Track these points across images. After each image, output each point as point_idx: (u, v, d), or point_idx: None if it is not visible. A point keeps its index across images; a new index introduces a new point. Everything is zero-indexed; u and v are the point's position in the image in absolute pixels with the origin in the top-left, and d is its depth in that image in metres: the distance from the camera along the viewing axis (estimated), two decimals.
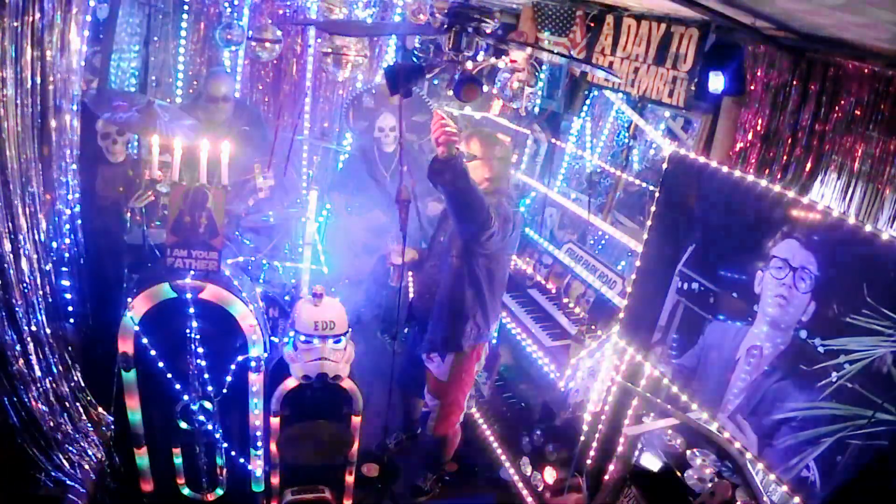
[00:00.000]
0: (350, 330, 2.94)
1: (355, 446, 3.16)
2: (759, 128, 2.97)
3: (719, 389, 2.59)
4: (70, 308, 2.95)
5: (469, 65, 2.55)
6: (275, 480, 3.18)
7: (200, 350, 2.80)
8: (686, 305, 2.77)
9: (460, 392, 3.38)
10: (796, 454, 2.26)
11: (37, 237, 2.54)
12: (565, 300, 3.95)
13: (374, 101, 5.27)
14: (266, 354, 2.88)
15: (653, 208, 2.98)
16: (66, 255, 2.86)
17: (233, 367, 2.87)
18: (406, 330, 3.75)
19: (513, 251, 3.37)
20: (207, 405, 2.91)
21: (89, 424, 2.81)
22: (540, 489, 3.60)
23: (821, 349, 2.20)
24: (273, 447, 3.04)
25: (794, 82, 2.81)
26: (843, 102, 2.64)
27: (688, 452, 2.74)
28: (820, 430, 2.19)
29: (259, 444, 3.06)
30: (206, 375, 2.85)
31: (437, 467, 3.77)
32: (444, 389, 3.33)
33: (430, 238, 3.56)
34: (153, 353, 2.75)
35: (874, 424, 2.01)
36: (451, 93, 2.59)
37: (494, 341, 4.25)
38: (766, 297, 2.41)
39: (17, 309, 2.43)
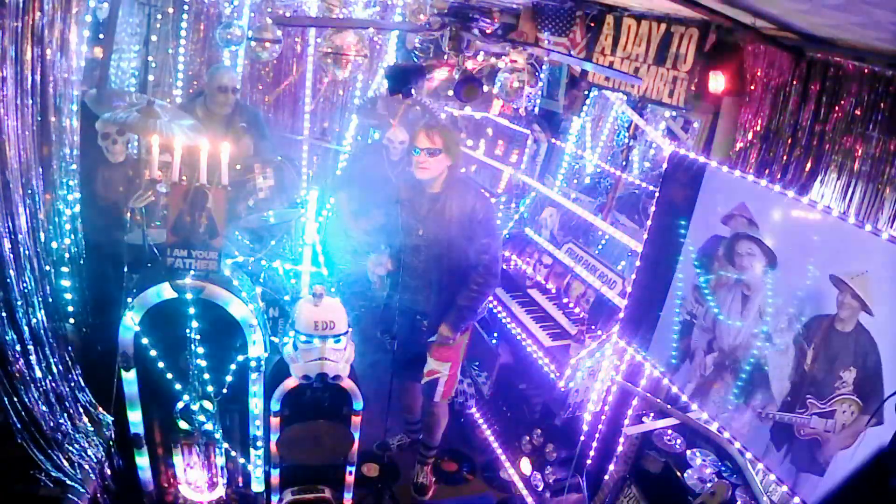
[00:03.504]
0: (350, 330, 2.94)
1: (355, 446, 3.16)
2: (759, 128, 2.97)
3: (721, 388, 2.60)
4: (70, 308, 2.94)
5: (469, 65, 2.56)
6: (275, 480, 3.18)
7: (200, 350, 2.80)
8: (686, 306, 2.77)
9: (464, 347, 3.62)
10: None
11: (37, 237, 2.53)
12: (565, 300, 3.94)
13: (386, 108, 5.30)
14: (266, 354, 2.89)
15: (653, 208, 2.99)
16: (66, 255, 2.86)
17: (233, 367, 2.87)
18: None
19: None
20: (207, 405, 2.91)
21: (89, 424, 2.81)
22: (540, 489, 3.60)
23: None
24: (273, 447, 3.04)
25: (794, 82, 2.81)
26: (843, 102, 2.64)
27: (688, 452, 2.74)
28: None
29: (259, 444, 3.06)
30: (206, 375, 2.85)
31: (429, 451, 3.78)
32: (455, 351, 3.51)
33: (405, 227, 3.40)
34: (153, 353, 2.75)
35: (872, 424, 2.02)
36: (451, 93, 2.59)
37: (494, 341, 4.25)
38: (764, 296, 2.42)
39: (17, 309, 2.43)
